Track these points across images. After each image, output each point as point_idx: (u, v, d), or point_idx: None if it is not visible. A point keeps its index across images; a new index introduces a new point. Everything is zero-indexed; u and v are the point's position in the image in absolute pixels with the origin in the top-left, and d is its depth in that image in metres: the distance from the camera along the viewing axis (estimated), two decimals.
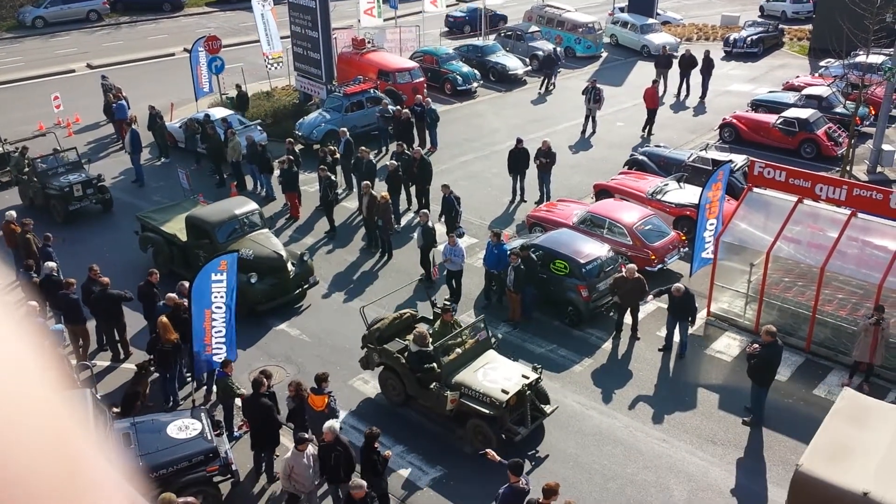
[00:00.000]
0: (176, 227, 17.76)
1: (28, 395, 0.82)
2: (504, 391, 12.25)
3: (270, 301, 16.41)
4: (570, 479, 12.11)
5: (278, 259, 16.49)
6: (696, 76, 29.33)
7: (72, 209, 20.65)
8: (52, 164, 21.32)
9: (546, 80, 31.20)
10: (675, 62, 30.10)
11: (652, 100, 26.19)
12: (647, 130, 26.35)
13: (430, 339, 13.06)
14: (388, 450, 11.41)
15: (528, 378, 12.60)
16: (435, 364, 12.74)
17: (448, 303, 14.32)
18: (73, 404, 10.40)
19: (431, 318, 14.35)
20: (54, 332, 13.89)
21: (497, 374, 12.71)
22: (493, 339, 13.68)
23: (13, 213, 18.25)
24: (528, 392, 12.57)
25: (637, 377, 14.57)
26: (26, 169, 21.53)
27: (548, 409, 13.00)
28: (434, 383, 12.75)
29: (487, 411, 12.19)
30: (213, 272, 13.50)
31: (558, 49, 34.09)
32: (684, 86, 29.69)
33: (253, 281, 16.16)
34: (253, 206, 17.84)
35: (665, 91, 29.66)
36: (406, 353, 13.19)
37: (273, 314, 16.40)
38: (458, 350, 13.20)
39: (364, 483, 10.14)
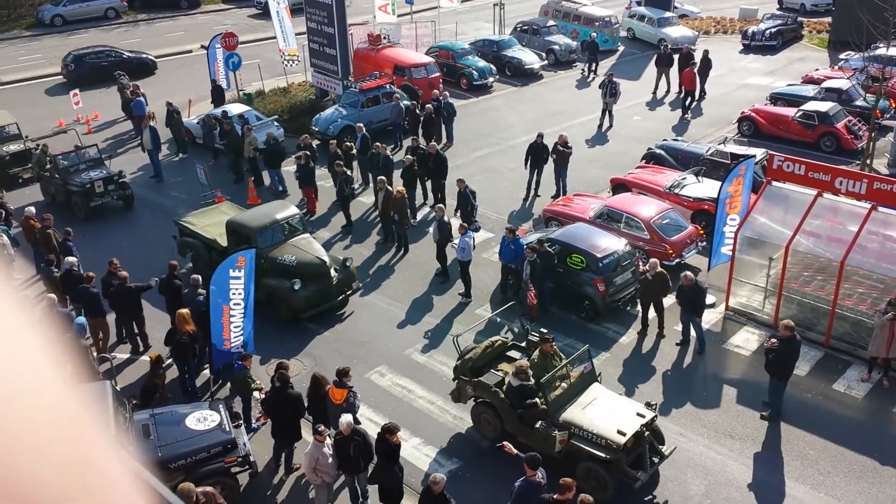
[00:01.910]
0: (215, 231, 17.22)
1: (40, 390, 0.81)
2: (621, 432, 11.15)
3: (313, 308, 15.92)
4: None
5: (321, 265, 16.01)
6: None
7: (93, 205, 20.76)
8: (73, 161, 21.38)
9: (592, 64, 31.87)
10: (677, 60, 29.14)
11: (690, 81, 26.91)
12: (687, 112, 27.10)
13: (532, 372, 11.99)
14: (397, 435, 10.97)
15: (643, 416, 11.53)
16: (539, 400, 11.75)
17: (546, 331, 13.05)
18: (93, 396, 10.52)
19: (524, 345, 13.40)
20: (76, 325, 14.03)
21: (608, 412, 11.61)
22: (598, 373, 12.68)
23: (32, 209, 18.47)
24: (647, 433, 11.55)
25: (654, 371, 14.52)
26: (48, 166, 21.68)
27: (665, 449, 11.86)
28: (539, 422, 11.71)
29: (603, 455, 11.10)
30: (231, 268, 13.58)
31: (575, 43, 34.02)
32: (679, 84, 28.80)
33: (296, 288, 15.70)
34: (294, 210, 17.34)
35: (668, 90, 29.20)
36: (505, 388, 12.14)
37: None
38: (563, 384, 12.06)
39: (444, 478, 9.94)
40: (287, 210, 17.22)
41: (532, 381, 11.87)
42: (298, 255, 16.15)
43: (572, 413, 11.66)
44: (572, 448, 11.41)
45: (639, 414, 11.59)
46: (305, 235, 16.97)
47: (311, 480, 11.13)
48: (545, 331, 13.13)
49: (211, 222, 17.68)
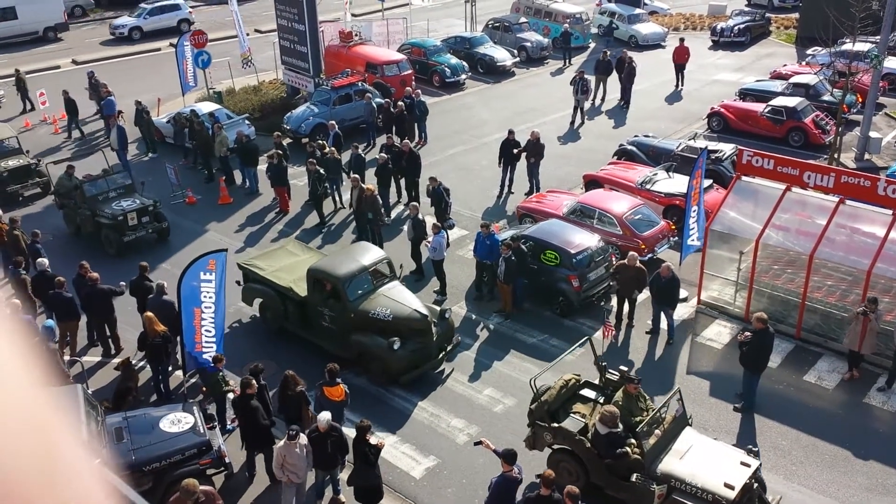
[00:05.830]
0: (289, 277, 15.09)
1: (7, 394, 0.80)
2: (728, 485, 10.10)
3: (414, 370, 13.85)
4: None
5: (422, 319, 13.85)
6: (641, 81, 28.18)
7: (126, 240, 18.42)
8: (101, 188, 18.88)
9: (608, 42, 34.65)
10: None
11: (680, 56, 28.86)
12: (678, 85, 29.12)
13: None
14: (381, 439, 11.40)
15: (749, 466, 10.53)
16: (630, 450, 10.74)
17: (626, 369, 12.23)
18: (64, 400, 10.35)
19: (599, 383, 12.47)
20: (45, 328, 13.81)
21: (710, 462, 10.60)
22: (689, 416, 11.62)
23: None
24: (755, 484, 10.47)
25: (628, 365, 14.55)
26: (71, 191, 19.12)
27: (771, 499, 10.74)
28: (635, 475, 10.61)
29: None
30: (201, 271, 13.39)
31: (546, 40, 34.16)
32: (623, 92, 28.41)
33: (396, 347, 13.65)
34: (380, 253, 15.22)
35: (604, 97, 28.38)
36: (591, 435, 11.15)
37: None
38: (657, 430, 10.96)
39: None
40: (373, 253, 15.09)
41: (620, 427, 10.94)
42: (394, 309, 14.03)
43: (670, 464, 10.61)
44: (673, 503, 10.44)
45: (743, 463, 10.59)
46: (395, 283, 14.85)
47: (278, 478, 11.06)
48: (626, 369, 12.29)
49: (281, 266, 15.55)
